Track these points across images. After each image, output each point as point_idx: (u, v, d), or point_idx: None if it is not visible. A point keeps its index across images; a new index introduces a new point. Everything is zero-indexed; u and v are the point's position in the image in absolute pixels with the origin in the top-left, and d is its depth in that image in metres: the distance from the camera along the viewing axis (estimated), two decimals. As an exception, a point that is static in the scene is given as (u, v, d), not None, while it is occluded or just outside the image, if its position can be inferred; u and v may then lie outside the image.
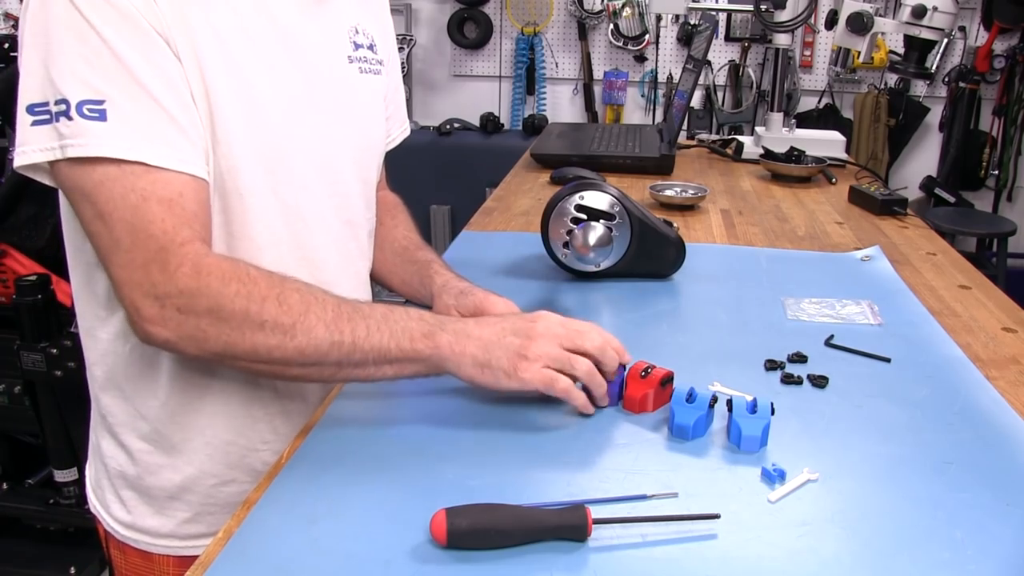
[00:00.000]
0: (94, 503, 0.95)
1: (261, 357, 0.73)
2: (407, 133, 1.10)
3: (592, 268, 1.14)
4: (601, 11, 3.68)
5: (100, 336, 0.85)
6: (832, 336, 0.99)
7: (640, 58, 3.73)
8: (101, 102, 0.68)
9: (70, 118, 0.68)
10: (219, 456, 0.87)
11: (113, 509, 0.91)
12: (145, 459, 0.88)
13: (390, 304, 0.78)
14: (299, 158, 0.84)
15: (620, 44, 3.69)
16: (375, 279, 1.06)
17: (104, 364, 0.86)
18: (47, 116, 0.69)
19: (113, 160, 0.69)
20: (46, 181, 0.73)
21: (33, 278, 1.98)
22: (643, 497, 0.68)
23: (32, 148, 0.70)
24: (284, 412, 0.89)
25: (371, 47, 0.94)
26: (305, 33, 0.84)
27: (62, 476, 2.08)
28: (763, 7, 1.95)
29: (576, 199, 1.10)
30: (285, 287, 0.74)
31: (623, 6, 3.63)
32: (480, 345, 0.75)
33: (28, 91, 0.70)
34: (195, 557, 0.62)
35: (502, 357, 0.75)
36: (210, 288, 0.71)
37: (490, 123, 3.56)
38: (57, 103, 0.68)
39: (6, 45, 2.24)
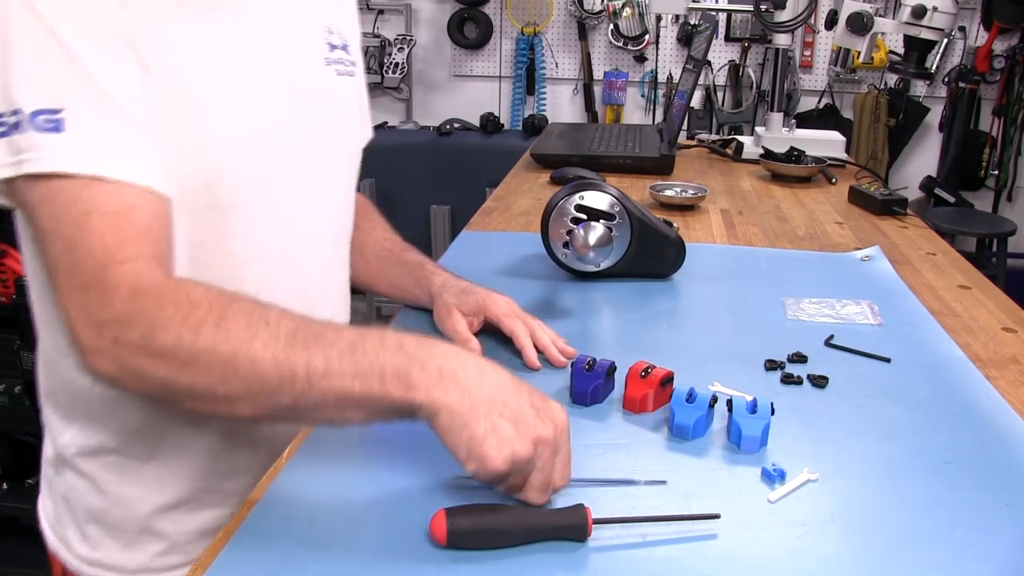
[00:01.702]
0: (52, 539, 0.86)
1: (201, 394, 0.62)
2: (370, 135, 1.04)
3: (592, 268, 1.14)
4: (601, 11, 3.68)
5: (62, 363, 0.78)
6: (832, 336, 0.99)
7: (640, 58, 3.72)
8: (58, 111, 0.62)
9: (23, 130, 0.62)
10: (195, 483, 0.81)
11: (75, 546, 0.84)
12: (112, 490, 0.80)
13: (367, 330, 0.64)
14: (285, 167, 0.80)
15: (620, 44, 3.69)
16: (358, 285, 1.02)
17: (66, 392, 0.80)
18: (2, 128, 0.62)
19: (63, 175, 0.62)
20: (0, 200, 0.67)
21: (33, 278, 1.98)
22: (632, 482, 0.69)
23: None
24: (268, 436, 0.83)
25: (345, 47, 0.90)
26: (284, 36, 0.81)
27: (62, 476, 2.08)
28: (763, 7, 1.95)
29: (576, 199, 1.10)
30: (230, 309, 0.62)
31: (623, 6, 3.62)
32: (466, 401, 0.61)
33: None
34: None
35: (479, 433, 0.60)
36: (143, 314, 0.61)
37: (490, 123, 3.55)
38: (12, 114, 0.62)
39: None
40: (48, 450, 0.85)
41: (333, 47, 0.88)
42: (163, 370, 0.62)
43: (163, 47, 0.69)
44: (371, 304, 3.34)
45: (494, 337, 0.94)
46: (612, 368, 0.84)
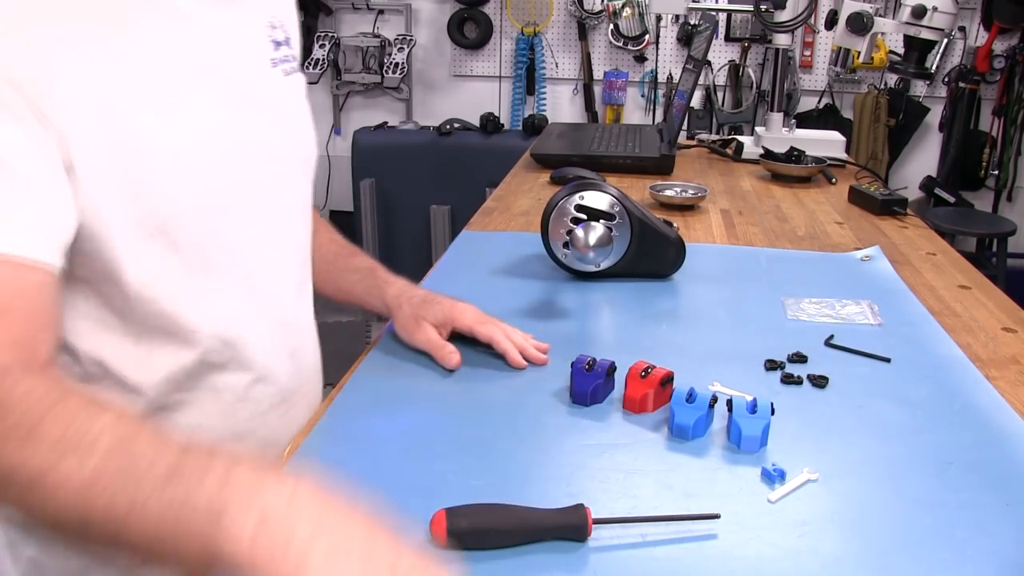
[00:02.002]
0: None
1: (13, 517, 0.57)
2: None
3: (592, 268, 1.14)
4: (601, 11, 3.68)
5: None
6: (832, 336, 0.99)
7: (640, 58, 3.72)
8: None
9: None
10: None
11: None
12: None
13: (197, 452, 0.52)
14: (243, 193, 0.75)
15: (620, 44, 3.69)
16: None
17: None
18: None
19: None
20: None
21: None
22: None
23: None
24: None
25: (287, 41, 0.84)
26: (226, 46, 0.75)
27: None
28: (763, 7, 1.95)
29: (576, 199, 1.10)
30: (47, 418, 0.52)
31: (623, 6, 3.62)
32: (292, 558, 0.47)
33: None
34: None
35: None
36: None
37: (490, 123, 3.55)
38: None
39: None
40: None
41: (277, 44, 0.82)
42: None
43: (86, 88, 0.62)
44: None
45: (463, 342, 0.92)
46: (612, 368, 0.84)
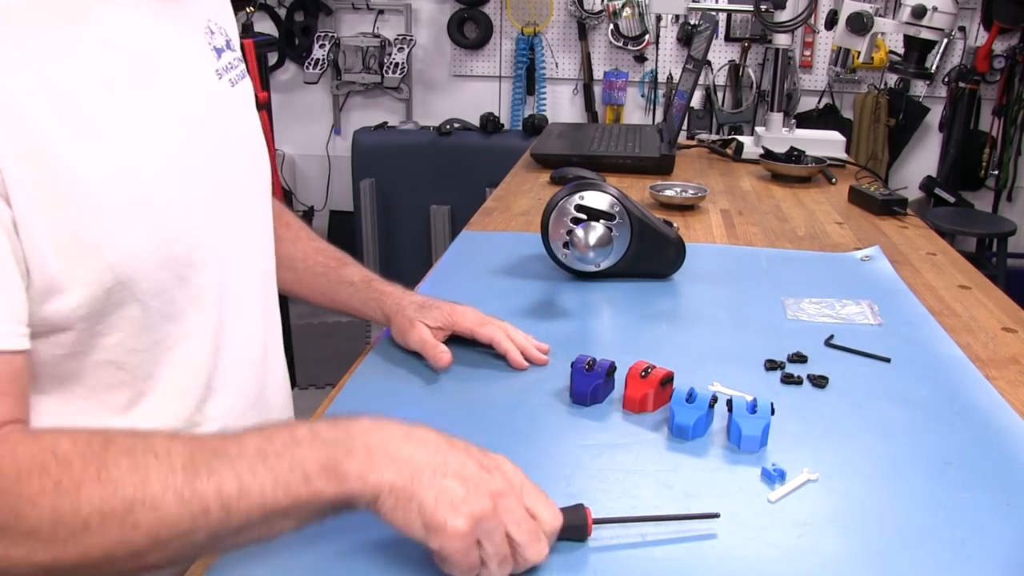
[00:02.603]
0: None
1: (98, 562, 0.51)
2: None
3: (592, 268, 1.14)
4: (601, 11, 3.68)
5: None
6: (832, 336, 0.99)
7: (640, 58, 3.72)
8: None
9: None
10: None
11: None
12: None
13: (272, 428, 0.56)
14: (202, 228, 0.68)
15: (620, 44, 3.69)
16: (291, 297, 0.96)
17: None
18: None
19: None
20: None
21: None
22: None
23: None
24: None
25: (228, 44, 0.77)
26: (167, 60, 0.67)
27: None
28: (763, 7, 1.95)
29: (576, 199, 1.10)
30: (108, 454, 0.52)
31: (623, 6, 3.62)
32: (406, 473, 0.55)
33: None
34: None
35: (428, 500, 0.54)
36: (2, 493, 0.50)
37: (490, 123, 3.55)
38: None
39: None
40: None
41: (219, 51, 0.75)
42: (42, 552, 0.50)
43: (23, 137, 0.55)
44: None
45: (464, 344, 0.92)
46: (612, 368, 0.84)
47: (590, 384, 0.82)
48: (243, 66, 0.80)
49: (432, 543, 0.55)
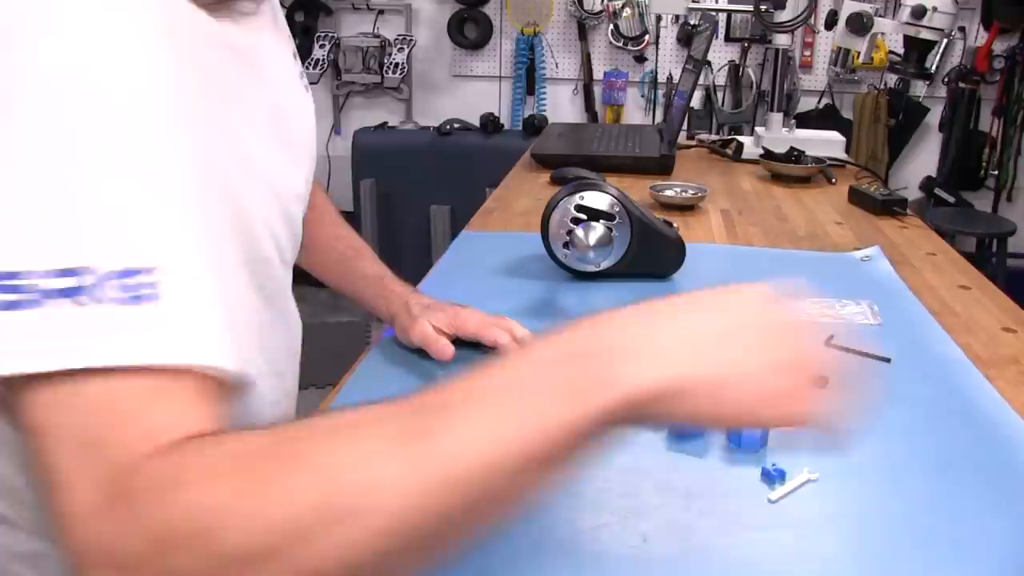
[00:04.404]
0: None
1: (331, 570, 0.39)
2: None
3: (592, 268, 1.14)
4: (601, 11, 3.68)
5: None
6: (832, 336, 0.99)
7: (640, 58, 3.72)
8: (151, 270, 0.42)
9: (98, 300, 0.41)
10: None
11: None
12: None
13: (480, 369, 0.44)
14: (276, 214, 0.69)
15: (620, 44, 3.69)
16: (313, 275, 0.98)
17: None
18: (34, 297, 0.40)
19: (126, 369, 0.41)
20: None
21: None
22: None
23: None
24: None
25: (296, 54, 0.81)
26: (284, 85, 0.71)
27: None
28: (763, 7, 1.95)
29: (576, 199, 1.10)
30: (281, 455, 0.41)
31: (623, 6, 3.62)
32: (717, 366, 0.44)
33: None
34: None
35: (744, 386, 0.44)
36: (197, 523, 0.38)
37: (490, 123, 3.55)
38: (55, 275, 0.40)
39: None
40: None
41: (295, 57, 0.80)
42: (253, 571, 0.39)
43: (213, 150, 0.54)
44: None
45: (466, 347, 0.92)
46: None
47: None
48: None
49: (789, 424, 0.46)
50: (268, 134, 0.65)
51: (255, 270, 0.63)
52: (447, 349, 0.89)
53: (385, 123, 3.72)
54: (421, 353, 0.91)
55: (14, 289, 0.40)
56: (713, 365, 0.44)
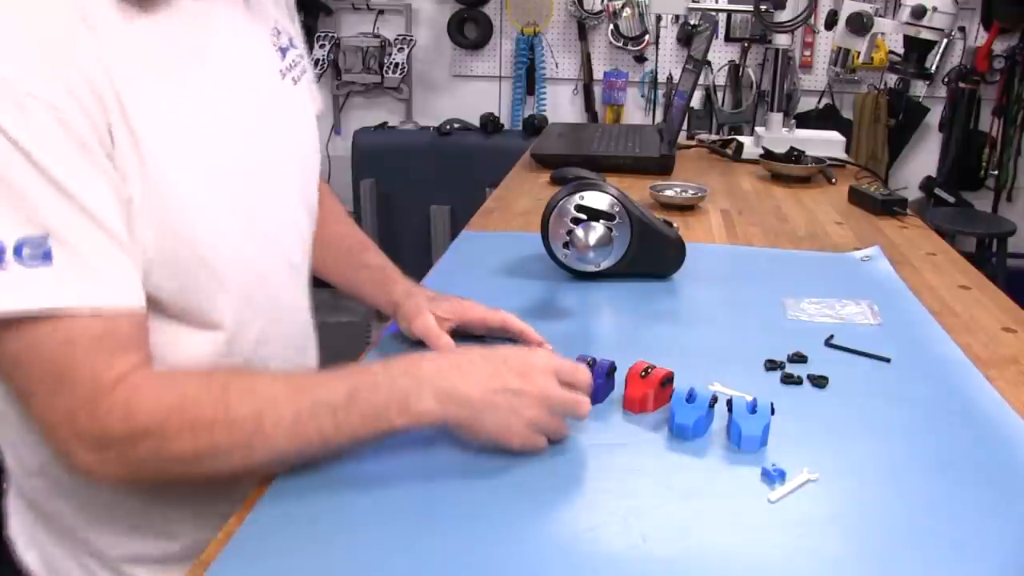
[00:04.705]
0: None
1: (223, 474, 0.66)
2: (319, 107, 0.97)
3: (592, 268, 1.14)
4: (601, 11, 3.68)
5: (41, 456, 0.76)
6: (832, 336, 0.99)
7: (640, 58, 3.72)
8: (44, 237, 0.58)
9: (2, 265, 0.57)
10: (209, 521, 0.77)
11: None
12: (125, 550, 0.80)
13: (353, 373, 0.69)
14: (255, 203, 0.77)
15: (620, 44, 3.69)
16: (318, 276, 1.00)
17: (48, 476, 0.77)
18: None
19: (47, 311, 0.59)
20: None
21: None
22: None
23: None
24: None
25: (292, 42, 0.86)
26: (242, 68, 0.76)
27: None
28: (763, 7, 1.95)
29: (576, 199, 1.10)
30: (230, 398, 0.64)
31: (623, 6, 3.62)
32: (469, 411, 0.69)
33: None
34: None
35: (492, 425, 0.69)
36: (148, 432, 0.63)
37: (490, 123, 3.55)
38: None
39: None
40: (28, 526, 0.82)
41: (283, 51, 0.84)
42: (179, 468, 0.65)
43: (130, 120, 0.64)
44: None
45: (467, 342, 0.92)
46: (612, 368, 0.84)
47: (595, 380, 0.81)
48: (305, 61, 0.88)
49: (507, 447, 0.71)
50: (207, 105, 0.71)
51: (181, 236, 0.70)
52: (448, 345, 0.89)
53: (385, 123, 3.71)
54: (421, 348, 0.91)
55: None
56: (471, 409, 0.69)
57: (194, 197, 0.69)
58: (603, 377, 0.82)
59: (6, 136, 0.57)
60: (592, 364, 0.83)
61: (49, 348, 0.60)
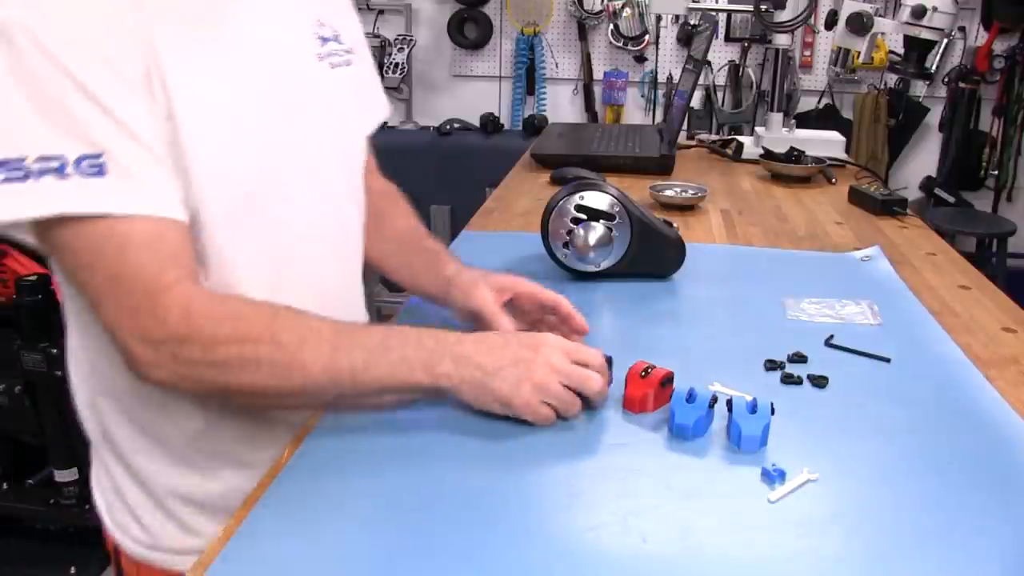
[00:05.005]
0: (110, 527, 0.90)
1: (258, 395, 0.73)
2: (386, 114, 1.05)
3: (592, 268, 1.14)
4: (601, 11, 3.68)
5: (105, 372, 0.82)
6: (832, 336, 0.99)
7: (640, 58, 3.72)
8: (99, 156, 0.66)
9: (64, 176, 0.65)
10: (247, 470, 0.84)
11: (132, 531, 0.88)
12: (162, 481, 0.85)
13: (388, 328, 0.77)
14: (283, 173, 0.82)
15: (620, 44, 3.69)
16: (382, 272, 1.04)
17: (112, 396, 0.83)
18: (20, 174, 0.64)
19: (104, 216, 0.67)
20: (17, 236, 0.71)
21: (33, 278, 1.98)
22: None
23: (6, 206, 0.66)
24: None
25: (336, 38, 0.91)
26: (272, 41, 0.81)
27: (62, 476, 2.08)
28: (763, 7, 1.95)
29: (576, 199, 1.10)
30: (278, 323, 0.71)
31: (623, 6, 3.62)
32: (480, 373, 0.75)
33: None
34: None
35: (501, 387, 0.75)
36: (202, 333, 0.69)
37: (490, 123, 3.55)
38: (42, 160, 0.65)
39: None
40: (101, 448, 0.88)
41: (324, 40, 0.88)
42: (223, 377, 0.71)
43: (166, 74, 0.70)
44: (371, 304, 3.34)
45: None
46: (607, 361, 0.82)
47: None
48: (351, 56, 0.92)
49: (511, 412, 0.75)
50: (231, 69, 0.76)
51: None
52: (504, 324, 0.91)
53: (385, 123, 3.70)
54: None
55: (16, 168, 0.64)
56: (482, 372, 0.75)
57: (199, 132, 0.73)
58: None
59: (64, 71, 0.65)
60: None
61: (107, 252, 0.68)
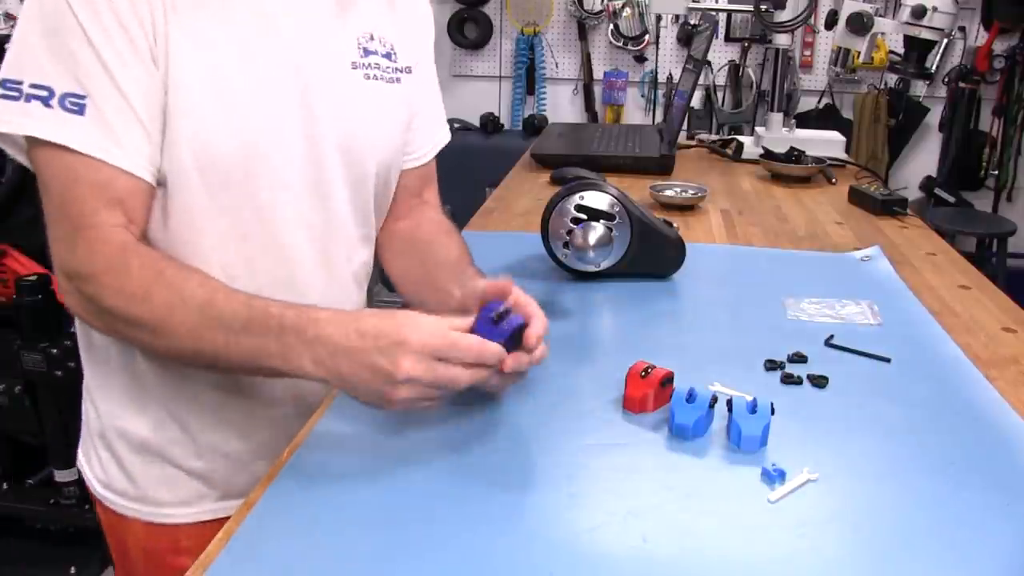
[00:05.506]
0: (96, 486, 0.99)
1: (144, 347, 0.79)
2: (444, 141, 1.05)
3: (592, 268, 1.14)
4: (601, 11, 3.68)
5: (98, 344, 0.89)
6: (832, 336, 0.99)
7: (640, 58, 3.73)
8: (83, 97, 0.73)
9: (48, 106, 0.73)
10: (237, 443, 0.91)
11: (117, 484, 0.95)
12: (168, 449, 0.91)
13: (253, 309, 0.73)
14: (274, 160, 0.83)
15: (620, 44, 3.69)
16: (405, 292, 1.00)
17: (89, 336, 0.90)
18: (16, 94, 0.73)
19: (68, 147, 0.73)
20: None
21: (33, 278, 1.98)
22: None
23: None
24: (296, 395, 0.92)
25: (388, 55, 0.92)
26: (301, 38, 0.84)
27: (62, 476, 2.08)
28: (763, 7, 1.95)
29: (576, 199, 1.10)
30: (155, 284, 0.74)
31: (623, 6, 3.63)
32: (339, 381, 0.71)
33: (8, 66, 0.74)
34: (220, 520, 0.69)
35: (366, 399, 0.71)
36: (95, 277, 0.74)
37: (490, 123, 3.55)
38: (35, 87, 0.73)
39: (6, 46, 2.24)
40: (90, 416, 0.95)
41: (369, 52, 0.90)
42: (109, 324, 0.77)
43: (169, 43, 0.76)
44: (371, 304, 3.33)
45: None
46: (520, 328, 0.74)
47: (495, 338, 0.71)
48: (404, 76, 0.94)
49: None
50: (245, 51, 0.80)
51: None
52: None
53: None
54: None
55: (15, 88, 0.73)
56: (342, 382, 0.71)
57: (193, 129, 0.78)
58: (505, 338, 0.72)
59: (75, 16, 0.72)
60: (499, 319, 0.73)
61: (61, 180, 0.75)
